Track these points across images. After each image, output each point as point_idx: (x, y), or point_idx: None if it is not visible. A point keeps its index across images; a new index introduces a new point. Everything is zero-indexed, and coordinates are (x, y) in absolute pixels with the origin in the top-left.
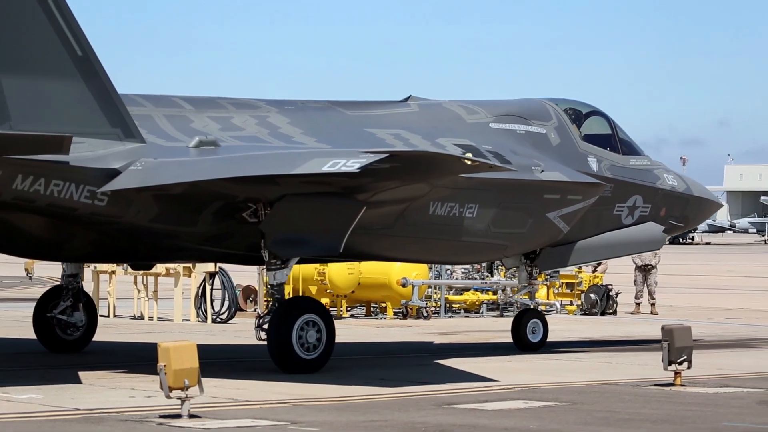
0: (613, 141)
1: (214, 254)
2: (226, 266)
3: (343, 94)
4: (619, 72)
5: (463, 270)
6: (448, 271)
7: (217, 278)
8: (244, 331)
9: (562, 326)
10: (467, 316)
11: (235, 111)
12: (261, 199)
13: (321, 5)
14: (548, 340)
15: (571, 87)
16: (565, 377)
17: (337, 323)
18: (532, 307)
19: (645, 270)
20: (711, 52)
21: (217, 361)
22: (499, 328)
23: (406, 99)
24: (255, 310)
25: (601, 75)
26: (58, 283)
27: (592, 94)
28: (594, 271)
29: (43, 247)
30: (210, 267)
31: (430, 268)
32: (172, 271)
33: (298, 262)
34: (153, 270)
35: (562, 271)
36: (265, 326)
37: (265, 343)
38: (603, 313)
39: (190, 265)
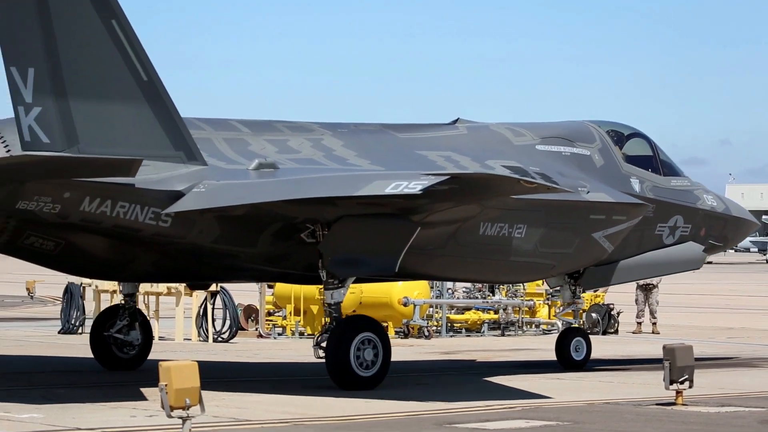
0: (655, 162)
1: (271, 274)
2: (227, 285)
3: (369, 112)
4: (621, 90)
5: (464, 289)
6: (450, 291)
7: (218, 297)
8: (245, 350)
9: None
10: (468, 336)
11: (290, 134)
12: (319, 220)
13: (337, 24)
14: (548, 359)
15: (572, 103)
16: (566, 396)
17: None
18: (575, 325)
19: (646, 289)
20: (713, 71)
21: (219, 380)
22: (500, 348)
23: (455, 121)
24: (256, 329)
25: (603, 92)
26: (116, 302)
27: (594, 110)
28: (596, 290)
29: (106, 267)
30: (212, 286)
31: (432, 287)
32: (173, 291)
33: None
34: (154, 289)
35: None
36: (323, 344)
37: (321, 360)
38: (604, 333)
39: None
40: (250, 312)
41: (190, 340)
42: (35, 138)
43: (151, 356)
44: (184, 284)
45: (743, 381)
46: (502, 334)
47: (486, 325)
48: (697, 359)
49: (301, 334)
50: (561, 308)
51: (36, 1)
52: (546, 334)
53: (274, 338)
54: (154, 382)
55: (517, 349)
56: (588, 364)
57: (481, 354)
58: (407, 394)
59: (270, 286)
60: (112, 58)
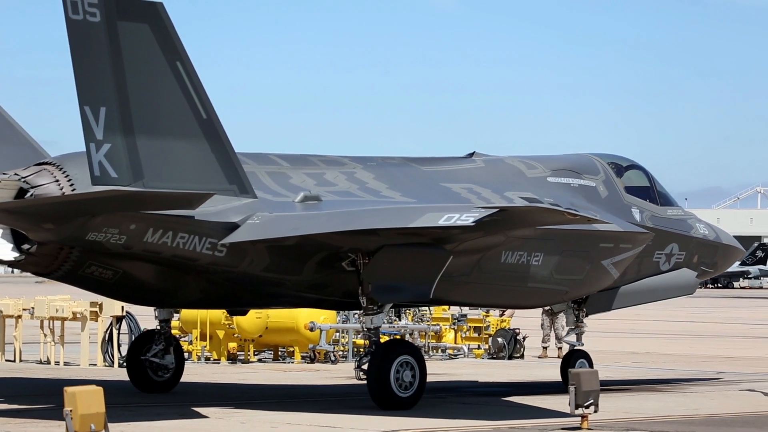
0: (652, 193)
1: (309, 300)
2: (132, 310)
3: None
4: (606, 119)
5: None
6: (356, 316)
7: (123, 322)
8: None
9: (469, 370)
10: None
11: (326, 167)
12: (361, 250)
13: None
14: (455, 382)
15: (559, 132)
16: (471, 420)
17: (243, 368)
18: (578, 347)
19: (552, 314)
20: (700, 98)
21: (127, 405)
22: None
23: (471, 155)
24: None
25: (590, 124)
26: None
27: (583, 140)
28: (502, 314)
29: (158, 294)
30: (117, 311)
31: (338, 312)
32: (78, 316)
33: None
34: (59, 314)
35: (470, 315)
36: (364, 367)
37: (363, 382)
38: (510, 357)
39: (96, 309)
40: None
41: (95, 365)
42: (104, 173)
43: (56, 382)
44: (89, 309)
45: (648, 405)
46: None
47: None
48: (602, 383)
49: (207, 359)
50: (566, 332)
51: (110, 44)
52: (452, 358)
53: None
54: (5, 410)
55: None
56: (492, 389)
57: None
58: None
59: (176, 312)
60: (175, 97)
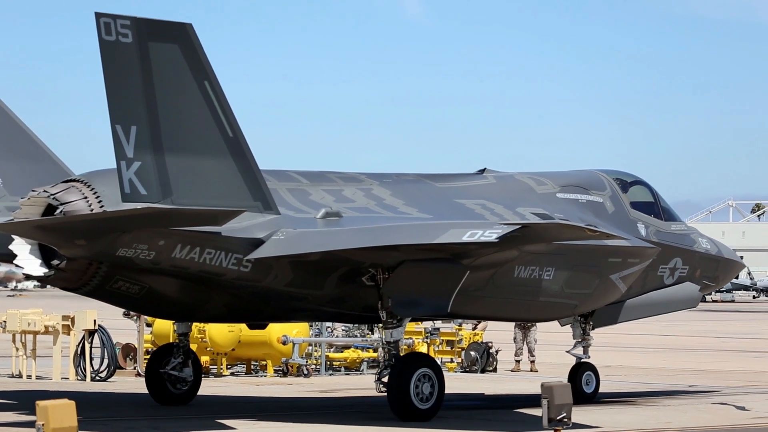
0: (656, 208)
1: (328, 314)
2: (105, 324)
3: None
4: (578, 130)
5: (343, 327)
6: (329, 329)
7: (96, 336)
8: (123, 390)
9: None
10: (348, 374)
11: (343, 184)
12: (381, 265)
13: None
14: None
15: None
16: None
17: (215, 381)
18: (585, 360)
19: (525, 327)
20: (670, 112)
21: (98, 418)
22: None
23: (482, 171)
24: (135, 368)
25: (560, 135)
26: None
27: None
28: (474, 328)
29: (183, 308)
30: (89, 325)
31: (311, 326)
32: (50, 329)
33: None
34: (31, 328)
35: (443, 329)
36: (385, 380)
37: (383, 394)
38: (483, 371)
39: (69, 322)
40: (129, 350)
41: (67, 379)
42: (134, 190)
43: (28, 395)
44: (61, 323)
45: (621, 418)
46: None
47: (365, 363)
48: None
49: None
50: (573, 345)
51: (141, 65)
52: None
53: None
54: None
55: None
56: (465, 402)
57: (362, 392)
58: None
59: (148, 325)
60: (203, 116)
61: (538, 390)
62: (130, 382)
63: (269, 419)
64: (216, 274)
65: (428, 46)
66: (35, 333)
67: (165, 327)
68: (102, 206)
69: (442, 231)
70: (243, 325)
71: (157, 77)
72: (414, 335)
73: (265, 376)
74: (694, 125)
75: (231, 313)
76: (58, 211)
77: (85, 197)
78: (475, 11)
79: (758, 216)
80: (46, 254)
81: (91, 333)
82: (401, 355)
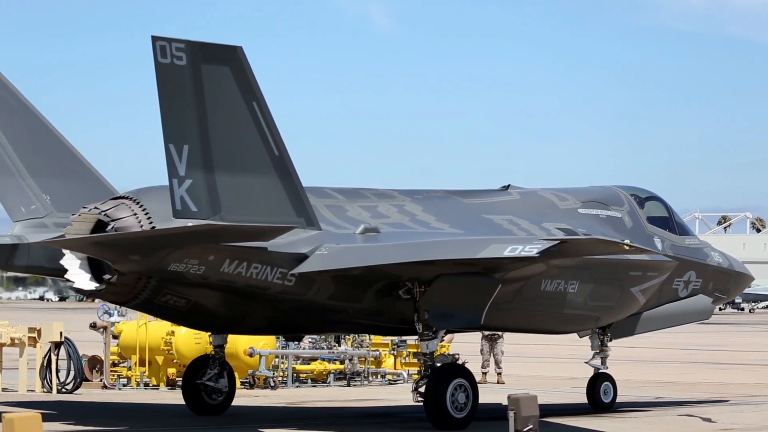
0: (671, 223)
1: (365, 326)
2: (71, 336)
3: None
4: (538, 142)
5: (310, 340)
6: (296, 341)
7: (62, 348)
8: (89, 402)
9: (409, 395)
10: (314, 386)
11: (378, 201)
12: (419, 279)
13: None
14: (394, 407)
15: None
16: None
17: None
18: (603, 371)
19: (491, 339)
20: (638, 123)
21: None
22: (346, 398)
23: (506, 187)
24: (101, 380)
25: (569, 147)
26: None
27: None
28: (441, 340)
29: (226, 321)
30: (55, 337)
31: (277, 338)
32: (17, 341)
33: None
34: None
35: (410, 341)
36: (422, 389)
37: (419, 403)
38: None
39: (35, 335)
40: (95, 363)
41: (33, 391)
42: (185, 207)
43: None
44: (27, 335)
45: (587, 430)
46: (348, 385)
47: (332, 375)
48: (541, 409)
49: (146, 384)
50: (592, 356)
51: (194, 86)
52: (392, 384)
53: (119, 389)
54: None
55: (364, 399)
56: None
57: (329, 404)
58: None
59: (115, 337)
60: (251, 135)
61: (505, 401)
62: (97, 394)
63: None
64: (261, 287)
65: (397, 59)
66: (1, 345)
67: (131, 339)
68: (151, 223)
69: (484, 246)
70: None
71: (208, 98)
72: (381, 347)
73: None
74: (661, 138)
75: (271, 326)
76: (109, 227)
77: (135, 214)
78: (444, 23)
79: (724, 228)
80: (94, 269)
81: (57, 345)
82: (437, 365)
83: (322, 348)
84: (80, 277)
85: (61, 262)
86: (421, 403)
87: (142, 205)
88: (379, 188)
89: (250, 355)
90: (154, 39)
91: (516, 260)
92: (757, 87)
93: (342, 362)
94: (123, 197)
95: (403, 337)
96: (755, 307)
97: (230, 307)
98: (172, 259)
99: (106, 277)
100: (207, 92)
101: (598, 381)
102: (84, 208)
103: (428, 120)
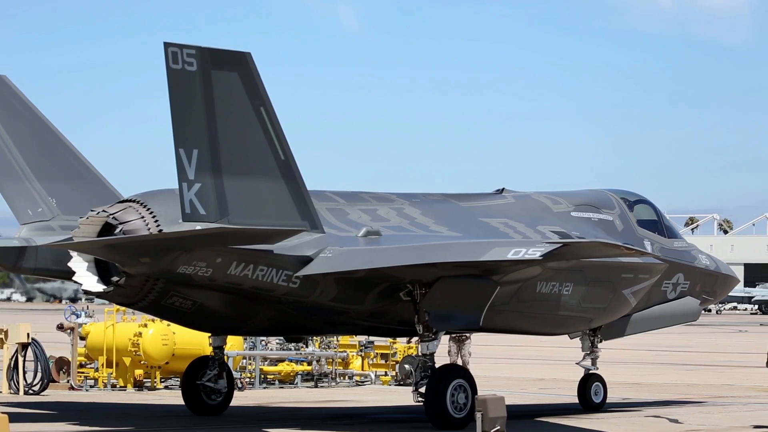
0: (660, 226)
1: (365, 328)
2: (38, 337)
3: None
4: (505, 144)
5: (277, 341)
6: (263, 342)
7: (29, 349)
8: (57, 402)
9: (376, 397)
10: (282, 387)
11: (377, 204)
12: (420, 281)
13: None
14: (362, 409)
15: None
16: None
17: (151, 395)
18: (592, 371)
19: (459, 341)
20: (602, 127)
21: None
22: (313, 399)
23: (500, 191)
24: (68, 381)
25: (553, 149)
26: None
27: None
28: (409, 341)
29: (230, 323)
30: (23, 338)
31: (245, 339)
32: None
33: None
34: None
35: (377, 342)
36: (422, 390)
37: (420, 403)
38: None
39: (2, 336)
40: (62, 364)
41: (0, 392)
42: (194, 210)
43: None
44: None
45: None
46: (316, 386)
47: (299, 376)
48: (509, 410)
49: (113, 386)
50: (582, 357)
51: (204, 91)
52: (359, 385)
53: (86, 390)
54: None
55: (332, 400)
56: (399, 416)
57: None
58: None
59: (82, 338)
60: (258, 140)
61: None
62: (64, 396)
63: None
64: (267, 289)
65: (366, 60)
66: None
67: (98, 341)
68: (158, 225)
69: (487, 249)
70: (177, 338)
71: (218, 103)
72: (348, 348)
73: None
74: (627, 140)
75: (273, 327)
76: (117, 230)
77: (142, 217)
78: (414, 25)
79: (692, 230)
80: (100, 271)
81: (24, 346)
82: (437, 366)
83: (290, 349)
84: (88, 280)
85: (69, 264)
86: (422, 404)
87: (149, 208)
88: (377, 192)
89: None
90: (167, 45)
91: (515, 263)
92: (723, 89)
93: (309, 363)
94: (130, 200)
95: (371, 338)
96: (722, 308)
97: (235, 308)
98: (182, 261)
99: (115, 279)
100: (216, 97)
101: (589, 381)
102: (92, 211)
103: (399, 122)
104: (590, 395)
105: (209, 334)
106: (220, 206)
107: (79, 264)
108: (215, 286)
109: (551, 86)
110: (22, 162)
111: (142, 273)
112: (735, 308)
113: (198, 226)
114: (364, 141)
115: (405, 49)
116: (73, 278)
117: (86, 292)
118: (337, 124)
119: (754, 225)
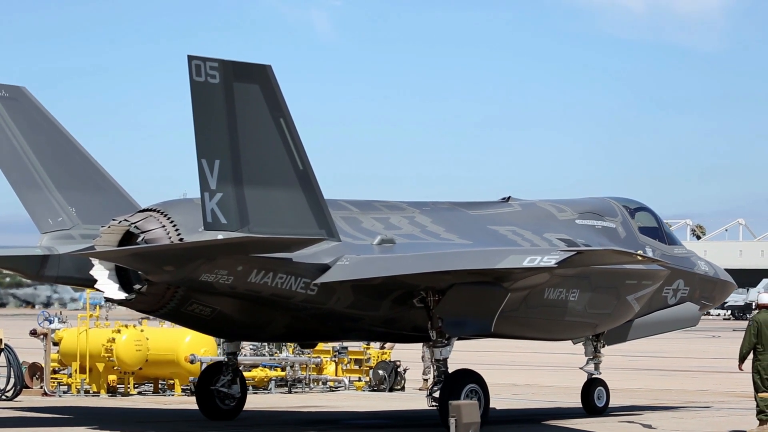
0: (660, 233)
1: (378, 334)
2: (11, 343)
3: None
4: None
5: (251, 346)
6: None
7: (2, 355)
8: (30, 408)
9: (350, 402)
10: (256, 393)
11: (389, 212)
12: (434, 287)
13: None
14: (336, 414)
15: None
16: None
17: (124, 401)
18: (595, 376)
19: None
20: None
21: None
22: (287, 405)
23: (506, 199)
24: (41, 387)
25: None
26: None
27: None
28: (382, 347)
29: (248, 329)
30: None
31: (219, 344)
32: None
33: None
34: None
35: (351, 347)
36: (436, 395)
37: (434, 408)
38: (391, 389)
39: None
40: (35, 370)
41: None
42: (215, 219)
43: None
44: None
45: None
46: (290, 391)
47: (273, 382)
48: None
49: (87, 392)
50: (586, 362)
51: (226, 103)
52: (333, 391)
53: (60, 396)
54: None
55: (306, 406)
56: (372, 421)
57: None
58: None
59: (55, 344)
60: (278, 150)
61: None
62: (37, 401)
63: None
64: (285, 296)
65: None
66: None
67: (72, 346)
68: (179, 234)
69: (503, 257)
70: (151, 343)
71: (239, 115)
72: (322, 354)
73: (173, 395)
74: (596, 145)
75: (289, 333)
76: (139, 239)
77: (163, 226)
78: (385, 30)
79: None
80: (121, 279)
81: None
82: (450, 372)
83: (264, 355)
84: (110, 287)
85: (91, 272)
86: (436, 408)
87: (170, 217)
88: (389, 200)
89: (191, 362)
90: (190, 58)
91: (528, 270)
92: (696, 95)
93: (283, 369)
94: (150, 210)
95: (345, 344)
96: None
97: (252, 315)
98: (204, 269)
99: (137, 287)
100: (238, 109)
101: (593, 386)
102: (114, 220)
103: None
104: (594, 400)
105: (218, 339)
106: (241, 215)
107: (100, 272)
108: (235, 293)
109: (523, 90)
110: (42, 172)
111: (165, 281)
112: (708, 314)
113: (220, 236)
114: (339, 146)
115: (382, 55)
116: (95, 286)
117: (108, 300)
118: (308, 128)
119: (726, 231)
